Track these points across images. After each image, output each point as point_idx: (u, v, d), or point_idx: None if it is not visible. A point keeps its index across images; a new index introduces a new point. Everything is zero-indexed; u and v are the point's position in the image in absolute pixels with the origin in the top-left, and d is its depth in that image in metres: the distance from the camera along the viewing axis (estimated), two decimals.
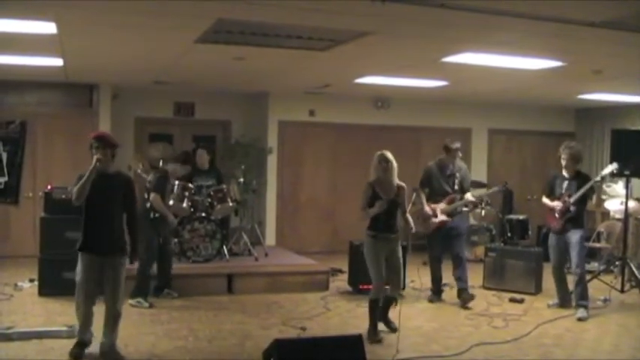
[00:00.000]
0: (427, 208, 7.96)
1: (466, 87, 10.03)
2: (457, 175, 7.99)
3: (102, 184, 5.44)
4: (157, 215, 7.65)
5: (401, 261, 6.59)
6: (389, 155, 6.43)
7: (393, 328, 6.52)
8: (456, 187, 7.96)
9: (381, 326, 6.48)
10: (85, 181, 5.36)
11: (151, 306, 7.45)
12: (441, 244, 8.07)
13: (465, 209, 8.23)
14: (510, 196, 12.32)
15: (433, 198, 7.99)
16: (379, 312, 6.47)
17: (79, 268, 5.55)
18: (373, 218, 6.42)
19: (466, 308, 7.66)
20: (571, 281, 7.67)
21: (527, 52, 6.98)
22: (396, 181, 6.45)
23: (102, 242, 5.52)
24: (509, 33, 5.98)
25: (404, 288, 8.28)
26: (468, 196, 7.96)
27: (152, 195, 7.64)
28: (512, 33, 5.97)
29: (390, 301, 6.61)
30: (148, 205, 7.67)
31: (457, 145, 8.03)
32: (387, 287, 6.55)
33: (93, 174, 5.37)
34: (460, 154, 8.11)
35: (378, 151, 6.50)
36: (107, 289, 5.57)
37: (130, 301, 7.42)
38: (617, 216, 9.89)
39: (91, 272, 5.52)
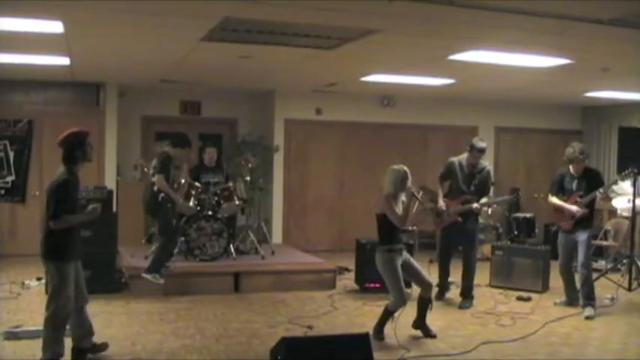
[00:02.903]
0: (442, 203, 7.89)
1: (473, 85, 10.01)
2: (477, 176, 7.76)
3: (76, 190, 5.28)
4: (164, 196, 7.84)
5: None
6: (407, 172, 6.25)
7: (432, 335, 6.36)
8: (472, 187, 7.75)
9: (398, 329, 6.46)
10: (75, 222, 5.19)
11: (164, 281, 7.84)
12: (451, 241, 7.99)
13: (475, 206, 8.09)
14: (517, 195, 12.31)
15: (450, 194, 7.92)
16: (389, 319, 6.30)
17: (66, 280, 5.13)
18: (390, 232, 6.23)
19: (460, 308, 7.64)
20: (577, 279, 7.65)
21: (534, 50, 6.96)
22: (403, 196, 6.30)
23: (79, 247, 5.33)
24: (517, 31, 5.96)
25: (410, 286, 8.29)
26: (475, 204, 7.67)
27: (156, 176, 7.80)
28: (520, 31, 5.95)
29: (426, 303, 6.43)
30: (156, 188, 7.82)
31: (480, 145, 7.66)
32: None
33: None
34: (479, 155, 7.70)
35: (397, 166, 6.24)
36: (83, 286, 5.42)
37: (146, 275, 7.78)
38: (625, 214, 9.85)
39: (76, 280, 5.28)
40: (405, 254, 6.37)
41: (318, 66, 8.41)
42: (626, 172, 7.86)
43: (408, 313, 6.49)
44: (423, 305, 6.45)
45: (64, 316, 5.18)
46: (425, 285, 6.43)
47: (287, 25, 6.02)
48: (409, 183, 6.21)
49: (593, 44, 6.49)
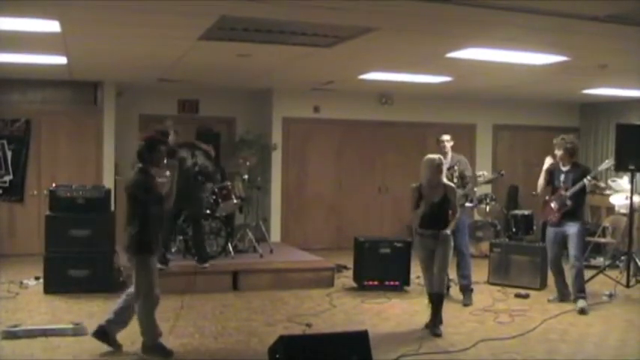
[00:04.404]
0: None
1: (471, 82, 10.01)
2: (455, 167, 7.88)
3: (148, 187, 5.57)
4: None
5: (445, 260, 6.45)
6: (442, 159, 6.54)
7: (436, 334, 6.35)
8: (455, 179, 7.87)
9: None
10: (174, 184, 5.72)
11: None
12: None
13: (468, 205, 8.15)
14: (515, 192, 12.32)
15: None
16: (437, 304, 6.47)
17: (151, 272, 5.51)
18: (421, 217, 6.48)
19: (465, 305, 7.64)
20: (568, 274, 7.66)
21: (531, 47, 6.96)
22: (443, 181, 6.50)
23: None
24: (514, 28, 5.96)
25: (408, 284, 8.30)
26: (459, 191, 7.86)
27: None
28: (517, 28, 5.95)
29: (437, 298, 6.47)
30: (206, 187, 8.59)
31: (443, 137, 8.00)
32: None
33: None
34: (446, 146, 7.94)
35: (432, 155, 6.50)
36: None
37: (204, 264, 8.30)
38: (623, 211, 9.87)
39: None
40: (438, 246, 6.42)
41: (315, 64, 8.41)
42: (608, 161, 8.01)
43: (411, 311, 6.51)
44: (434, 300, 6.49)
45: (151, 304, 5.52)
46: (433, 279, 6.49)
47: (284, 24, 6.02)
48: (443, 170, 6.50)
49: (590, 41, 6.49)
